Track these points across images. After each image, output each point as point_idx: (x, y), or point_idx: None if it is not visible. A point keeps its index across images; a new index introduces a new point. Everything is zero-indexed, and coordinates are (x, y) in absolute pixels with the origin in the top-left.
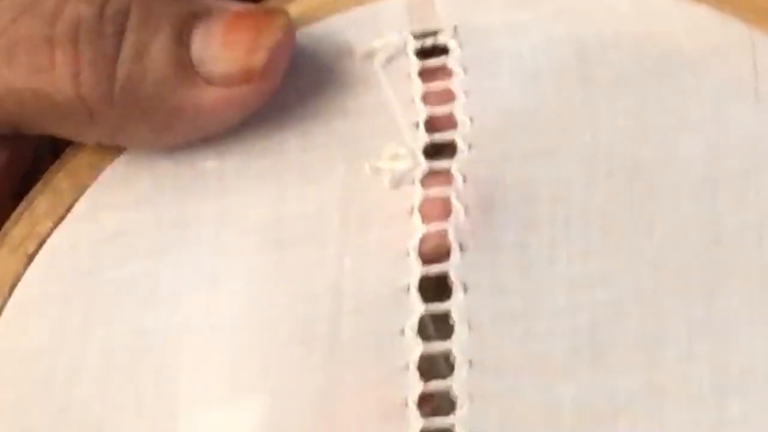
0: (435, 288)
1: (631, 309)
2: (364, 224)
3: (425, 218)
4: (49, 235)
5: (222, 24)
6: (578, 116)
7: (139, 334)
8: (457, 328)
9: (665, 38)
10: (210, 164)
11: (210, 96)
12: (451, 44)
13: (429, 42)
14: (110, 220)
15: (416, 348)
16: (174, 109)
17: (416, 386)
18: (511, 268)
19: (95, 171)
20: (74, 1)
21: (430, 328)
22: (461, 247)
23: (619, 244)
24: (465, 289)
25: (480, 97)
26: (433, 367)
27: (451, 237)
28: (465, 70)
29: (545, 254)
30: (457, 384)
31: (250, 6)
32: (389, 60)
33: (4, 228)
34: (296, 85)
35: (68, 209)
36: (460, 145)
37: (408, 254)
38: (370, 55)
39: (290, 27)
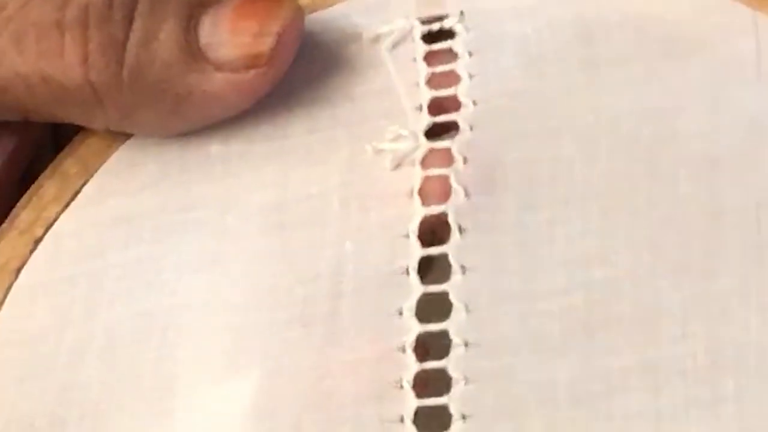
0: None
1: (627, 288)
2: (364, 206)
3: (425, 200)
4: (56, 219)
5: (230, 10)
6: (580, 97)
7: (142, 316)
8: (454, 309)
9: (669, 20)
10: (215, 148)
11: (218, 81)
12: (458, 28)
13: (436, 27)
14: (116, 204)
15: (413, 328)
16: (182, 95)
17: (412, 366)
18: (509, 249)
19: (103, 157)
20: None
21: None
22: (460, 229)
23: (617, 223)
24: (463, 271)
25: (484, 79)
26: (431, 352)
27: (451, 219)
28: (470, 53)
29: (544, 234)
30: (452, 364)
31: None
32: (395, 45)
33: (12, 212)
34: (303, 69)
35: (76, 194)
36: (462, 126)
37: (407, 236)
38: (376, 40)
39: (299, 13)
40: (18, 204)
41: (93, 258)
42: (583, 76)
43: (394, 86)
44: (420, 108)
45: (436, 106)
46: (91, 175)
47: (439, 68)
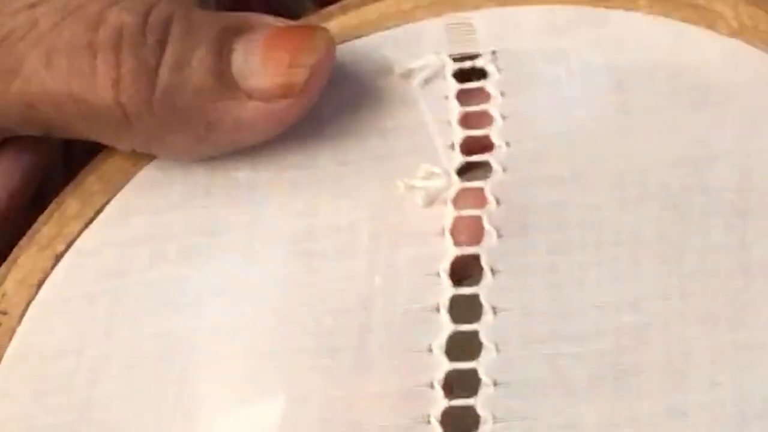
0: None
1: (656, 334)
2: (394, 241)
3: (456, 239)
4: (78, 236)
5: (263, 39)
6: (612, 143)
7: (164, 336)
8: (484, 349)
9: (700, 70)
10: (242, 174)
11: (248, 109)
12: (490, 68)
13: (467, 65)
14: (140, 224)
15: (443, 366)
16: (212, 121)
17: (440, 402)
18: (540, 292)
19: (127, 175)
20: (117, 8)
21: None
22: (492, 271)
23: (647, 270)
24: (494, 312)
25: (516, 121)
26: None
27: (483, 261)
28: (502, 93)
29: (575, 278)
30: (480, 403)
31: (291, 22)
32: (427, 81)
33: (33, 227)
34: (333, 99)
35: (98, 212)
36: (495, 167)
37: (438, 275)
38: (408, 74)
39: (331, 44)
40: (39, 219)
41: (115, 276)
42: (615, 122)
43: (425, 123)
44: (452, 146)
45: (468, 145)
46: (115, 194)
47: (472, 108)
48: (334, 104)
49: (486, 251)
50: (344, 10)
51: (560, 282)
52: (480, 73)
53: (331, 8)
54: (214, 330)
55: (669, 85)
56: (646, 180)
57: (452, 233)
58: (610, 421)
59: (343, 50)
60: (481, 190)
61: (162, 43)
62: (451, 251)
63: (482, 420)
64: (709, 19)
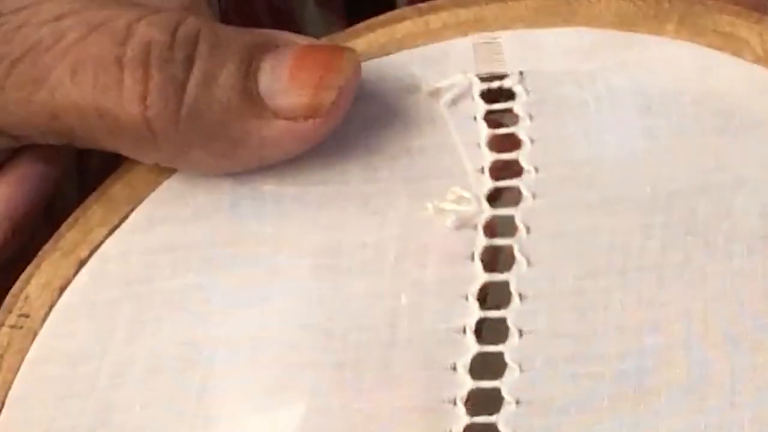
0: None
1: (678, 355)
2: (421, 262)
3: (486, 265)
4: (102, 242)
5: (291, 57)
6: (638, 168)
7: (186, 344)
8: (508, 370)
9: (725, 96)
10: (268, 187)
11: (275, 128)
12: (518, 90)
13: (495, 85)
14: (164, 232)
15: (466, 383)
16: (238, 139)
17: (462, 419)
18: (566, 315)
19: (152, 184)
20: (145, 24)
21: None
22: (520, 297)
23: (671, 294)
24: (520, 334)
25: (545, 145)
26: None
27: (512, 287)
28: (530, 116)
29: (600, 301)
30: (502, 420)
31: (317, 41)
32: (455, 101)
33: (57, 233)
34: (360, 116)
35: (123, 219)
36: (525, 193)
37: (466, 297)
38: (435, 93)
39: (358, 66)
40: (63, 225)
41: (139, 283)
42: (641, 147)
43: (453, 144)
44: (482, 170)
45: (497, 169)
46: (140, 202)
47: (500, 130)
48: (361, 121)
49: (515, 278)
50: (371, 28)
51: (585, 305)
52: (507, 94)
53: (358, 26)
54: (236, 340)
55: (695, 110)
56: (671, 205)
57: (482, 259)
58: None
59: (370, 67)
60: (511, 218)
61: (190, 60)
62: (481, 277)
63: None
64: (734, 46)
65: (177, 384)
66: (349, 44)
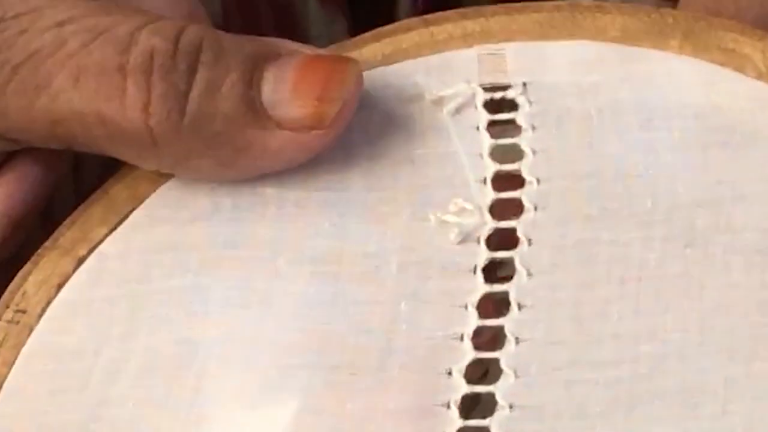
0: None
1: (673, 364)
2: (424, 274)
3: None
4: (101, 241)
5: (293, 69)
6: (639, 181)
7: (182, 343)
8: (503, 375)
9: (727, 111)
10: (270, 191)
11: (277, 138)
12: (521, 100)
13: (498, 95)
14: (164, 232)
15: (461, 388)
16: (240, 148)
17: (456, 422)
18: (563, 323)
19: (153, 186)
20: (148, 32)
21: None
22: (519, 306)
23: (668, 305)
24: (517, 342)
25: (547, 157)
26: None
27: (512, 297)
28: (533, 127)
29: (598, 310)
30: (495, 424)
31: (320, 50)
32: (458, 110)
33: (56, 231)
34: (363, 124)
35: (123, 219)
36: (527, 205)
37: (466, 307)
38: (438, 102)
39: (360, 77)
40: (62, 224)
41: (136, 282)
42: (643, 160)
43: (456, 154)
44: (484, 181)
45: (499, 180)
46: (140, 202)
47: (503, 141)
48: (364, 128)
49: (515, 289)
50: (378, 38)
51: (583, 314)
52: (510, 105)
53: (365, 35)
54: (232, 340)
55: (696, 124)
56: (671, 218)
57: (483, 271)
58: None
59: (374, 75)
60: (513, 230)
61: (192, 69)
62: (482, 288)
63: None
64: (737, 62)
65: (171, 382)
66: (355, 53)
